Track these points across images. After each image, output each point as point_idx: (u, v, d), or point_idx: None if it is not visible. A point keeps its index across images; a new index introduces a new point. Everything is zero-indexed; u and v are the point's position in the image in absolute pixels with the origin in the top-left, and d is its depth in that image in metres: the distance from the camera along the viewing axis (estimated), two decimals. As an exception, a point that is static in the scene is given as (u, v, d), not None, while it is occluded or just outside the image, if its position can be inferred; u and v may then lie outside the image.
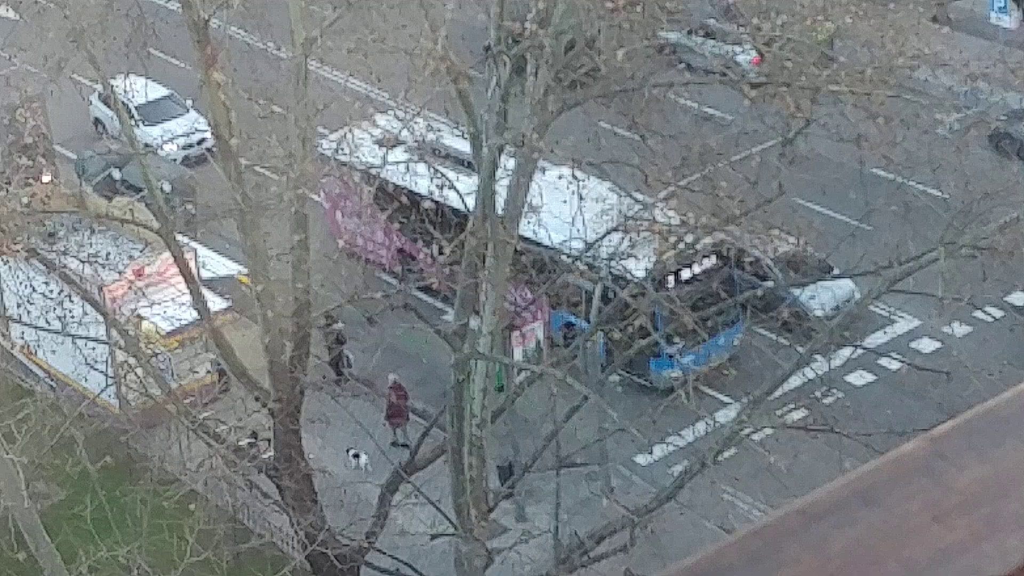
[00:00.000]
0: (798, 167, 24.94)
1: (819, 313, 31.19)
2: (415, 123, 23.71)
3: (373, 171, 24.84)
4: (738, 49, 31.73)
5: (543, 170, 25.99)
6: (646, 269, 27.02)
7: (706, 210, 24.25)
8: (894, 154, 23.98)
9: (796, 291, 32.58)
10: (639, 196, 24.92)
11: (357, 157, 24.49)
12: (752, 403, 25.35)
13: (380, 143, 25.22)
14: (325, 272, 26.08)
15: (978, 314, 27.97)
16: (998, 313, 29.68)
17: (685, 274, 32.44)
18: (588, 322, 27.95)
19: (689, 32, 34.50)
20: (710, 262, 32.66)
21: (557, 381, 23.92)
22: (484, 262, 23.68)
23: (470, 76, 22.45)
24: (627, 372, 27.66)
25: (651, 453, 30.79)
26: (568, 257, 26.48)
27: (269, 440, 28.11)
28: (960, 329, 32.17)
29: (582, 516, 28.49)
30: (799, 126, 23.58)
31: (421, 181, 24.78)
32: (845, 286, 33.18)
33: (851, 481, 1.49)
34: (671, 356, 30.90)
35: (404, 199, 26.92)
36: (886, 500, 1.47)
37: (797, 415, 27.70)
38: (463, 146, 27.14)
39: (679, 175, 23.87)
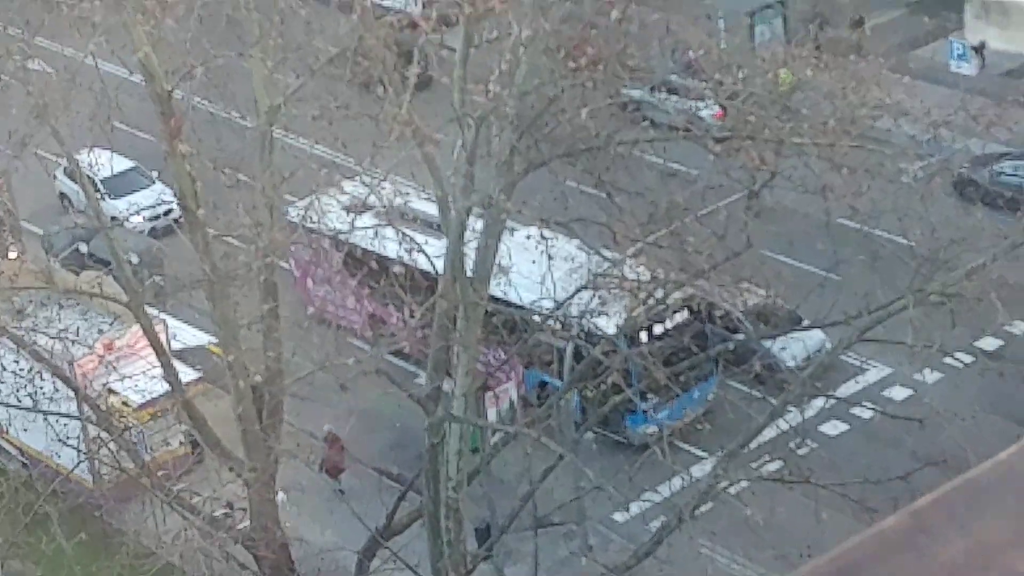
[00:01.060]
0: (765, 219, 25.05)
1: (791, 364, 31.30)
2: (382, 187, 23.74)
3: (341, 237, 24.84)
4: (701, 104, 31.90)
5: (511, 231, 26.03)
6: (617, 325, 27.02)
7: (675, 265, 24.29)
8: (860, 204, 24.07)
9: (767, 343, 32.66)
10: (607, 253, 24.97)
11: (325, 224, 24.50)
12: (727, 456, 25.33)
13: (348, 209, 25.23)
14: (296, 339, 26.03)
15: (949, 360, 28.05)
16: (968, 359, 29.76)
17: (657, 329, 32.48)
18: (561, 381, 27.93)
19: (652, 89, 34.71)
20: (681, 316, 32.72)
21: (532, 441, 23.88)
22: (455, 324, 23.66)
23: (436, 140, 22.49)
24: (602, 429, 27.70)
25: (628, 510, 30.76)
26: (539, 316, 26.49)
27: (245, 510, 27.97)
28: (931, 376, 32.28)
29: (561, 576, 28.43)
30: (764, 179, 23.68)
31: (390, 245, 24.77)
32: (815, 336, 33.31)
33: (835, 558, 1.49)
34: (646, 412, 30.89)
35: (373, 264, 26.95)
36: (870, 576, 1.46)
37: (772, 467, 27.70)
38: (432, 209, 27.12)
39: (647, 231, 23.92)
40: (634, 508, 30.83)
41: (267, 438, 26.08)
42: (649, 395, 31.05)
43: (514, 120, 22.24)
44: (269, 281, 25.26)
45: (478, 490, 27.81)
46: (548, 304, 25.65)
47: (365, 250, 26.51)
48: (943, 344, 24.58)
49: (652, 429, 28.35)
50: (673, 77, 34.39)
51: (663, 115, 29.59)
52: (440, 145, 23.01)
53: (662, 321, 32.18)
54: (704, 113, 30.45)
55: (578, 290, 25.44)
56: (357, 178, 25.57)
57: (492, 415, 30.90)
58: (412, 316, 24.48)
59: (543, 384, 33.72)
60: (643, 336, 31.39)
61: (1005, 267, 24.35)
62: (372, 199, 24.08)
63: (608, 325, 26.55)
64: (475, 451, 26.69)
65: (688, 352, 28.00)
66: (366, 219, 24.97)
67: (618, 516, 31.43)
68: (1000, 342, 33.64)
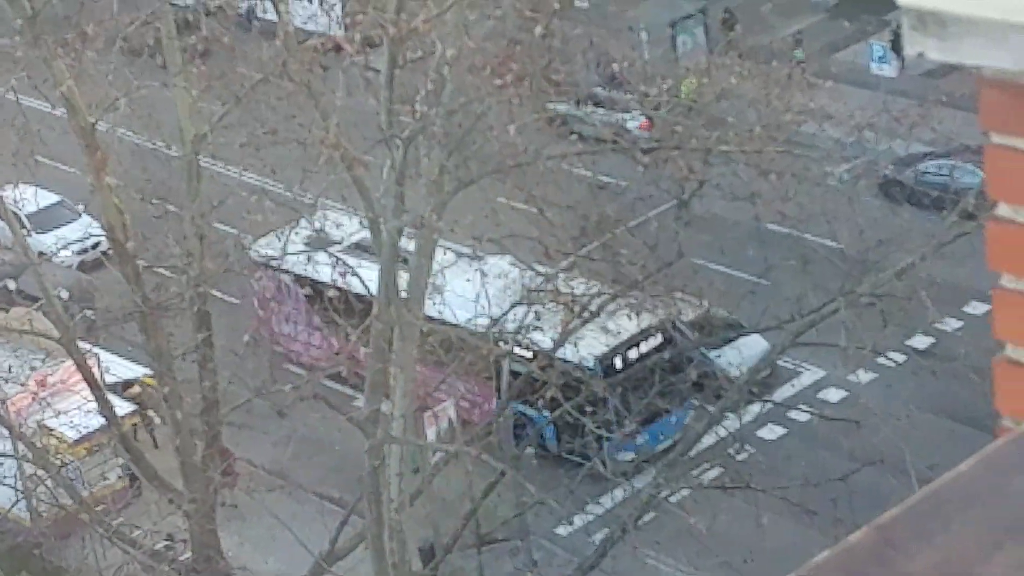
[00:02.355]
0: (695, 228, 25.19)
1: (734, 372, 31.30)
2: (340, 222, 23.72)
3: (304, 273, 24.78)
4: (627, 116, 32.04)
5: (444, 250, 26.05)
6: (594, 356, 27.08)
7: (608, 277, 24.38)
8: (788, 209, 24.25)
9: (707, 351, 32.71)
10: (541, 268, 25.02)
11: (285, 261, 24.47)
12: (667, 465, 25.43)
13: (310, 243, 25.20)
14: (232, 368, 25.92)
15: (882, 360, 28.24)
16: (901, 358, 29.99)
17: (632, 354, 32.04)
18: (538, 410, 27.86)
19: (578, 102, 34.79)
20: (655, 341, 32.30)
21: (472, 459, 23.88)
22: (391, 346, 23.64)
23: (364, 162, 22.48)
24: (580, 459, 27.40)
25: (571, 523, 30.76)
26: (473, 334, 26.51)
27: (186, 541, 27.80)
28: (865, 377, 32.48)
29: (507, 592, 28.41)
30: (693, 188, 23.82)
31: (355, 281, 24.81)
32: (757, 343, 33.36)
33: (805, 575, 1.50)
34: (624, 438, 30.69)
35: (335, 298, 26.39)
36: (842, 593, 1.48)
37: (712, 474, 27.82)
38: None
39: (578, 244, 23.99)
40: (577, 521, 30.84)
41: (206, 469, 25.95)
42: (626, 421, 30.86)
43: (442, 139, 22.26)
44: (202, 311, 25.16)
45: (421, 510, 27.73)
46: (484, 321, 25.67)
47: (333, 286, 26.07)
48: (876, 344, 24.78)
49: (630, 456, 28.33)
50: (598, 90, 34.52)
51: (590, 128, 29.71)
52: (369, 167, 23.00)
53: (636, 346, 31.82)
54: (631, 125, 30.60)
55: (512, 306, 25.48)
56: (319, 212, 25.49)
57: (432, 435, 30.85)
58: (347, 339, 24.39)
59: (517, 414, 32.70)
60: (618, 363, 31.19)
61: (933, 266, 24.59)
62: (335, 233, 24.08)
63: (543, 340, 26.56)
64: (416, 471, 26.64)
65: (661, 377, 28.01)
66: (327, 254, 25.05)
67: (561, 530, 31.44)
68: (931, 340, 33.90)
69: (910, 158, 37.65)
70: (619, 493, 29.30)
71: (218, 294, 27.26)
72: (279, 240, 24.30)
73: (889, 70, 45.38)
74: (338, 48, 22.90)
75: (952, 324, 34.22)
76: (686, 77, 24.16)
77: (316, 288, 26.30)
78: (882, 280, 23.62)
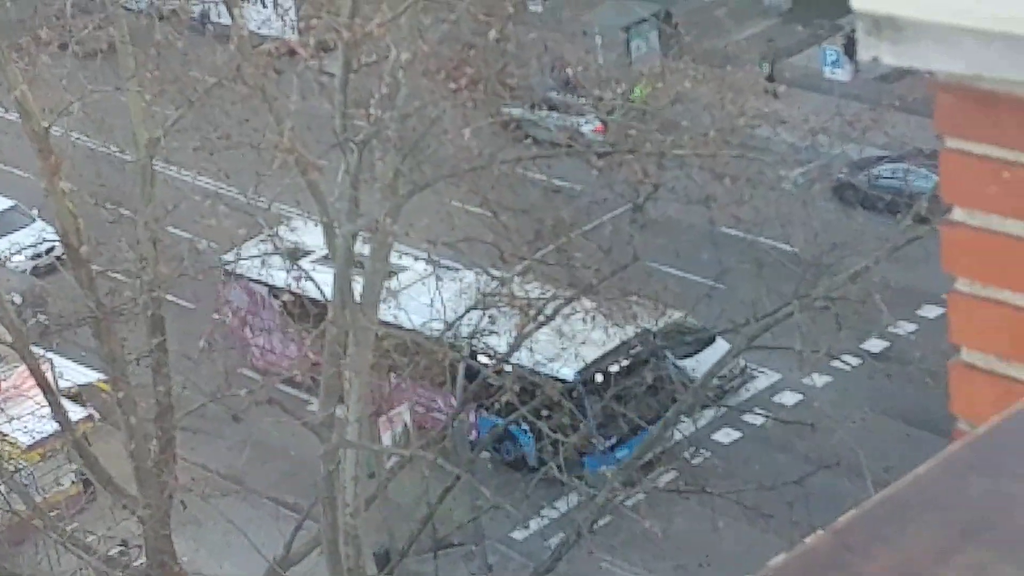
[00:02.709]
0: (650, 232, 25.21)
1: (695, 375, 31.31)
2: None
3: (281, 283, 24.70)
4: (582, 120, 32.07)
5: (399, 255, 26.02)
6: (574, 371, 27.05)
7: (563, 281, 24.39)
8: (742, 212, 24.32)
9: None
10: (496, 272, 25.02)
11: (266, 272, 24.37)
12: (623, 469, 25.45)
13: (284, 253, 25.07)
14: (186, 373, 25.81)
15: (836, 364, 28.36)
16: (855, 361, 30.12)
17: (613, 369, 31.69)
18: (519, 425, 27.76)
19: (532, 106, 34.82)
20: (635, 352, 31.93)
21: (428, 463, 23.85)
22: (346, 350, 23.59)
23: (319, 166, 22.43)
24: (559, 471, 27.38)
25: (527, 527, 30.77)
26: (428, 338, 26.48)
27: (140, 547, 27.68)
28: (820, 380, 32.63)
29: (463, 596, 28.39)
30: (648, 192, 23.85)
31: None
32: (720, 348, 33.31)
33: (763, 580, 1.50)
34: (604, 452, 30.59)
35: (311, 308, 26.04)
36: (800, 598, 1.48)
37: (668, 478, 27.86)
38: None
39: (533, 248, 24.00)
40: (532, 525, 30.85)
41: (160, 474, 25.83)
42: (608, 434, 30.75)
43: (397, 143, 22.23)
44: (156, 315, 25.04)
45: (376, 515, 27.71)
46: (438, 326, 25.65)
47: (310, 298, 25.79)
48: (830, 348, 24.87)
49: (611, 470, 28.25)
50: (553, 94, 34.55)
51: (545, 132, 29.77)
52: (323, 171, 22.95)
53: (616, 360, 31.39)
54: (585, 129, 30.62)
55: (468, 310, 25.47)
56: (296, 221, 25.42)
57: (387, 439, 30.80)
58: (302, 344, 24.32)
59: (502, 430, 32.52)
60: (599, 378, 30.69)
61: (887, 269, 24.70)
62: (312, 242, 24.03)
63: (499, 344, 26.56)
64: (371, 476, 26.59)
65: (637, 391, 27.98)
66: (305, 262, 25.00)
67: (517, 534, 31.44)
68: (886, 343, 34.05)
69: (864, 162, 37.82)
70: (574, 497, 29.32)
71: (172, 298, 27.14)
72: (254, 250, 24.27)
73: (842, 74, 45.59)
74: (292, 52, 22.84)
75: (906, 327, 34.40)
76: (639, 82, 24.21)
77: (294, 298, 26.12)
78: (836, 283, 23.71)
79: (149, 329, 25.20)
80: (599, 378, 30.93)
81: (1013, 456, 1.62)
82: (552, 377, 28.36)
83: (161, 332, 25.27)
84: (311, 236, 25.63)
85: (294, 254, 24.81)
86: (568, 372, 28.17)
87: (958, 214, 2.54)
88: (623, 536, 25.91)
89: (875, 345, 33.92)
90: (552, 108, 34.66)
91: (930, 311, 34.88)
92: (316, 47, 21.97)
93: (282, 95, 22.76)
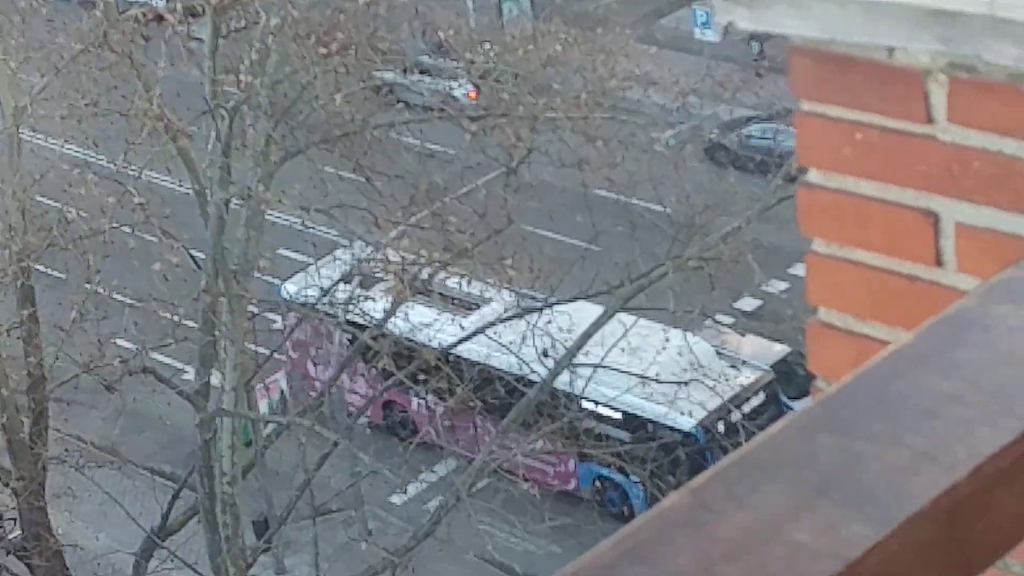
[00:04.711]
0: (524, 195, 25.25)
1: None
2: (387, 255, 23.50)
3: (345, 314, 24.54)
4: (454, 84, 32.03)
5: (273, 223, 25.87)
6: (695, 421, 26.81)
7: (438, 246, 24.39)
8: (615, 175, 24.44)
9: None
10: (370, 238, 24.96)
11: (328, 299, 24.23)
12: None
13: (347, 280, 24.83)
14: (58, 344, 25.53)
15: (710, 323, 28.61)
16: (729, 320, 30.42)
17: (735, 417, 29.08)
18: (624, 475, 27.25)
19: (405, 71, 34.71)
20: (758, 400, 30.21)
21: (305, 430, 23.80)
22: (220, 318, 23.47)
23: (189, 133, 22.24)
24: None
25: (406, 492, 30.79)
26: (304, 305, 26.41)
27: (14, 520, 27.39)
28: (693, 339, 32.85)
29: (342, 562, 28.36)
30: (521, 155, 23.89)
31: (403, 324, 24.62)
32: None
33: (619, 541, 1.53)
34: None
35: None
36: (654, 557, 1.51)
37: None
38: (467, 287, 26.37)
39: (408, 213, 23.97)
40: (411, 490, 30.88)
41: (33, 446, 25.57)
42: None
43: (268, 109, 22.11)
44: (26, 286, 24.74)
45: (254, 483, 27.60)
46: (314, 293, 25.57)
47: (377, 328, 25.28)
48: (704, 307, 25.10)
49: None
50: (425, 58, 34.45)
51: (417, 97, 29.71)
52: (194, 138, 22.76)
53: (739, 407, 28.76)
54: (458, 93, 30.58)
55: (342, 277, 25.40)
56: (356, 244, 25.09)
57: (264, 407, 30.66)
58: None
59: (601, 478, 30.79)
60: (720, 427, 28.46)
61: (759, 229, 24.94)
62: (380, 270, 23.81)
63: (375, 310, 26.52)
64: (248, 444, 26.50)
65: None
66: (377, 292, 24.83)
67: (396, 499, 31.46)
68: (759, 302, 34.40)
69: (734, 123, 38.15)
70: (453, 461, 29.42)
71: (42, 268, 26.81)
72: (313, 278, 24.09)
73: (712, 35, 45.87)
74: (160, 18, 22.63)
75: (778, 286, 34.78)
76: (527, 45, 24.19)
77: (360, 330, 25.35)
78: (709, 244, 23.91)
79: (19, 300, 24.89)
80: (721, 427, 28.53)
81: (862, 415, 1.66)
82: (669, 427, 27.83)
83: (31, 303, 24.97)
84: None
85: (364, 283, 24.71)
86: (686, 422, 27.48)
87: (814, 176, 2.58)
88: (502, 497, 25.99)
89: (748, 304, 34.28)
90: (424, 72, 34.57)
91: (801, 269, 34.64)
92: (184, 13, 21.77)
93: (150, 62, 22.55)
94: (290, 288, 28.36)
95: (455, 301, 28.72)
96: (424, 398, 28.11)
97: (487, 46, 24.73)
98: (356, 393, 31.63)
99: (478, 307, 29.76)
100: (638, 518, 1.64)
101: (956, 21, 2.48)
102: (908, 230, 2.64)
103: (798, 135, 2.63)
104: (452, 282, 26.02)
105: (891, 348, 1.77)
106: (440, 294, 25.93)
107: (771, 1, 2.61)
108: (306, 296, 25.69)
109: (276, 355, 27.56)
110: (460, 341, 26.34)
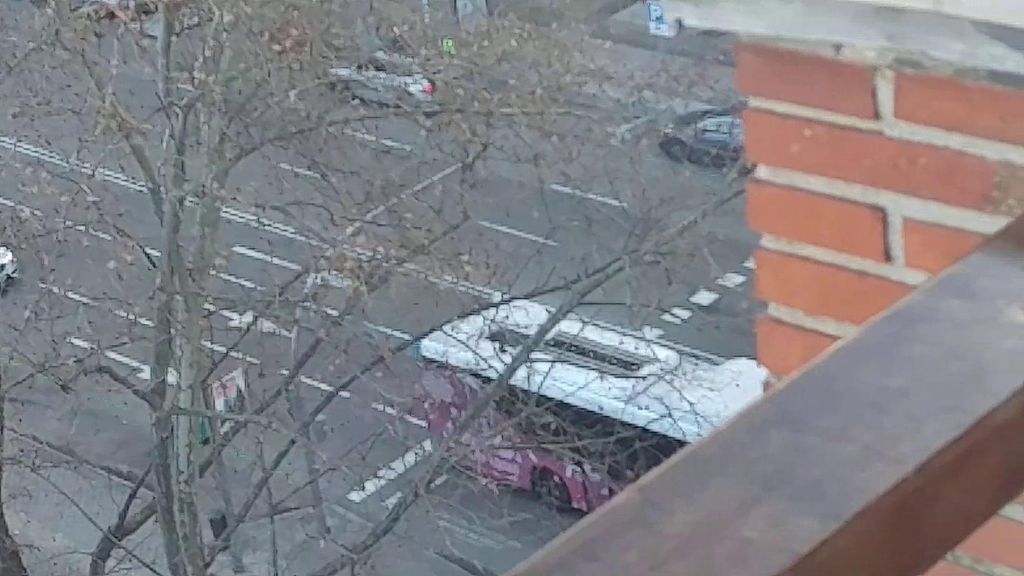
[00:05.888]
0: (480, 191, 25.30)
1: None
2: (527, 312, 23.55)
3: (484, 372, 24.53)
4: (409, 80, 31.96)
5: (229, 221, 25.80)
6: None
7: (395, 242, 24.38)
8: (571, 170, 24.46)
9: None
10: (326, 235, 24.91)
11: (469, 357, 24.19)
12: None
13: (493, 337, 24.77)
14: (12, 343, 25.40)
15: (667, 317, 28.69)
16: (685, 314, 30.49)
17: None
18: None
19: (359, 67, 34.65)
20: None
21: (263, 428, 23.76)
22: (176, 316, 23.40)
23: (143, 131, 22.16)
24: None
25: (363, 489, 30.75)
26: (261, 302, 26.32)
27: (-30, 522, 27.23)
28: (651, 334, 32.93)
29: (300, 560, 28.31)
30: (477, 151, 23.90)
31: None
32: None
33: (569, 539, 1.54)
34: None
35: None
36: (604, 554, 1.52)
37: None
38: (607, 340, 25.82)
39: (364, 210, 23.94)
40: (370, 486, 30.83)
41: (-12, 446, 25.45)
42: None
43: (222, 106, 22.04)
44: (-20, 286, 24.65)
45: (211, 481, 27.54)
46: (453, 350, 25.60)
47: (522, 389, 25.12)
48: (660, 302, 25.15)
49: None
50: (380, 54, 34.38)
51: (373, 93, 29.63)
52: (148, 136, 22.68)
53: None
54: (413, 89, 30.50)
55: (299, 275, 25.34)
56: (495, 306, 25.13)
57: (220, 405, 30.56)
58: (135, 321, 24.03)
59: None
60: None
61: (714, 223, 25.00)
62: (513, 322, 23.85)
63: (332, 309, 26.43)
64: (205, 442, 26.43)
65: None
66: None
67: (354, 496, 31.41)
68: (715, 296, 34.47)
69: (690, 117, 38.20)
70: (411, 457, 29.39)
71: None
72: (450, 336, 24.08)
73: (667, 30, 45.92)
74: (112, 15, 22.53)
75: (734, 280, 34.83)
76: (481, 40, 24.19)
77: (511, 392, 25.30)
78: (665, 238, 23.97)
79: (-27, 300, 24.79)
80: None
81: (811, 409, 1.67)
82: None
83: (-14, 303, 24.88)
84: (519, 315, 25.14)
85: (501, 337, 24.68)
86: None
87: (762, 172, 2.59)
88: (461, 493, 26.00)
89: (704, 298, 34.35)
90: (379, 68, 34.48)
91: (757, 263, 35.38)
92: (136, 10, 21.70)
93: (103, 59, 22.44)
94: (430, 347, 28.20)
95: (613, 361, 28.62)
96: (580, 466, 27.67)
97: (442, 42, 24.72)
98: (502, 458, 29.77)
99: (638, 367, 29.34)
100: (588, 516, 1.65)
101: (902, 17, 2.49)
102: (857, 226, 2.65)
103: (746, 131, 2.64)
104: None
105: (840, 343, 1.78)
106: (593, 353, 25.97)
107: (718, -2, 2.63)
108: (446, 354, 25.49)
109: (232, 353, 27.46)
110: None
